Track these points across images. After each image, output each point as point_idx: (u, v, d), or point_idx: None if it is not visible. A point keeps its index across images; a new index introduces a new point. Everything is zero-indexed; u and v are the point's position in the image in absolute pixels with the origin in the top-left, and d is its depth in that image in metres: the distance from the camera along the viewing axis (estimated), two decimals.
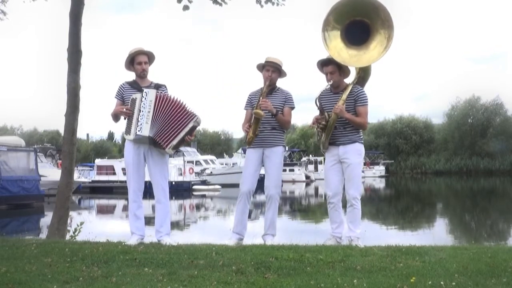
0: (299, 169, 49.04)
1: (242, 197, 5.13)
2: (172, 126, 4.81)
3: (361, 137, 5.06)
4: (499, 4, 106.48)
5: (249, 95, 5.23)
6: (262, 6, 7.25)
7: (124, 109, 4.88)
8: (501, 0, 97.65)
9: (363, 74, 5.11)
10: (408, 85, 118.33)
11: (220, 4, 7.11)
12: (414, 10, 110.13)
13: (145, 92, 4.87)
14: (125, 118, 4.94)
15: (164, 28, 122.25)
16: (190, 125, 4.85)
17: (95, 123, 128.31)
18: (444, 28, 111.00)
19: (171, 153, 4.93)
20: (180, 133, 4.82)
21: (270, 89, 5.08)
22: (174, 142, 4.81)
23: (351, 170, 4.94)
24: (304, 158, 54.95)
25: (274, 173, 5.12)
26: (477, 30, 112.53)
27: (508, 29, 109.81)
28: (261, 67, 5.12)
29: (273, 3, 7.23)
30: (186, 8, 6.85)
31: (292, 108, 5.16)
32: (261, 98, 4.98)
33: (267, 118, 5.02)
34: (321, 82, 5.07)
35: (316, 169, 51.95)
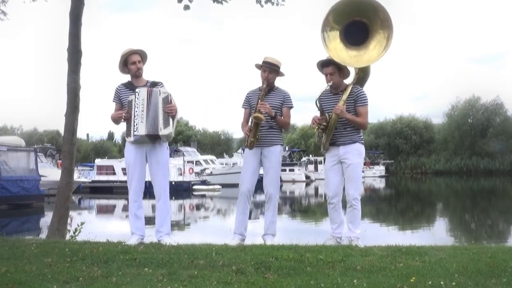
0: (299, 169, 49.04)
1: (242, 197, 5.12)
2: (156, 113, 4.82)
3: (361, 137, 5.05)
4: (499, 4, 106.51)
5: (247, 94, 5.22)
6: (262, 6, 7.26)
7: (123, 114, 4.90)
8: (501, 0, 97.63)
9: (362, 74, 5.10)
10: (408, 85, 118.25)
11: (221, 3, 7.12)
12: (414, 10, 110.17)
13: (137, 91, 4.89)
14: (124, 121, 4.96)
15: (164, 28, 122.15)
16: (160, 99, 4.83)
17: (95, 123, 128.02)
18: (444, 28, 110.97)
19: (166, 133, 4.84)
20: (159, 114, 4.82)
21: (268, 88, 5.08)
22: (161, 125, 4.80)
23: (351, 170, 4.94)
24: (304, 158, 54.95)
25: (273, 172, 5.11)
26: (477, 30, 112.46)
27: (508, 29, 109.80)
28: (259, 67, 5.11)
29: (272, 3, 7.24)
30: (186, 8, 6.85)
31: (291, 107, 5.16)
32: (259, 101, 4.96)
33: (265, 118, 5.02)
34: (322, 83, 5.07)
35: (316, 169, 51.96)
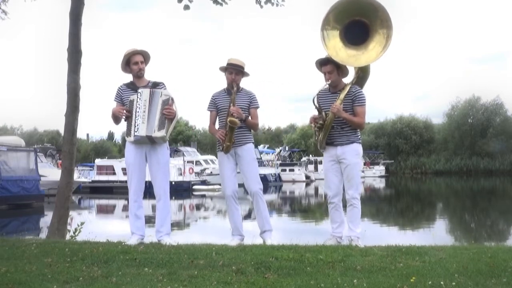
0: (299, 169, 49.03)
1: (229, 200, 5.16)
2: (154, 114, 4.83)
3: (359, 137, 5.06)
4: (499, 4, 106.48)
5: (213, 96, 5.22)
6: (261, 6, 7.26)
7: (124, 111, 4.90)
8: (501, 0, 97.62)
9: (362, 74, 5.10)
10: (408, 85, 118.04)
11: (221, 4, 7.12)
12: (414, 10, 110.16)
13: (139, 92, 4.90)
14: (125, 120, 4.96)
15: (164, 28, 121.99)
16: (160, 101, 4.83)
17: (95, 123, 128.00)
18: (444, 28, 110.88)
19: (159, 136, 4.84)
20: (156, 115, 4.82)
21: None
22: (155, 127, 4.81)
23: (350, 170, 4.94)
24: (304, 158, 54.93)
25: (251, 170, 5.14)
26: (477, 30, 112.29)
27: (508, 29, 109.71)
28: (224, 69, 5.13)
29: (272, 4, 7.24)
30: (186, 8, 6.85)
31: (258, 108, 5.19)
32: (231, 105, 4.98)
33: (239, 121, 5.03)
34: (321, 82, 5.07)
35: (316, 169, 51.92)
